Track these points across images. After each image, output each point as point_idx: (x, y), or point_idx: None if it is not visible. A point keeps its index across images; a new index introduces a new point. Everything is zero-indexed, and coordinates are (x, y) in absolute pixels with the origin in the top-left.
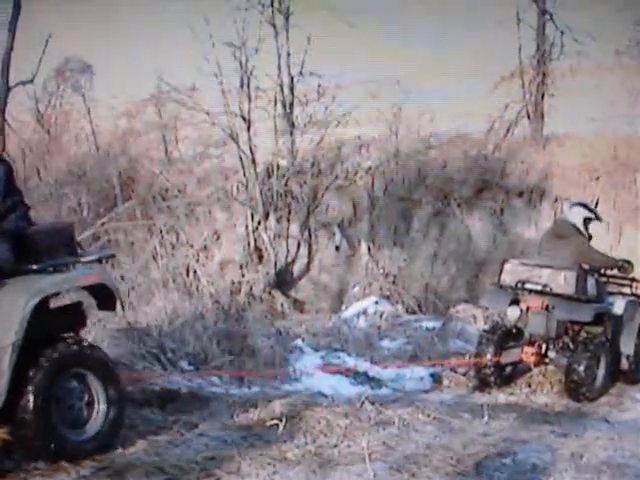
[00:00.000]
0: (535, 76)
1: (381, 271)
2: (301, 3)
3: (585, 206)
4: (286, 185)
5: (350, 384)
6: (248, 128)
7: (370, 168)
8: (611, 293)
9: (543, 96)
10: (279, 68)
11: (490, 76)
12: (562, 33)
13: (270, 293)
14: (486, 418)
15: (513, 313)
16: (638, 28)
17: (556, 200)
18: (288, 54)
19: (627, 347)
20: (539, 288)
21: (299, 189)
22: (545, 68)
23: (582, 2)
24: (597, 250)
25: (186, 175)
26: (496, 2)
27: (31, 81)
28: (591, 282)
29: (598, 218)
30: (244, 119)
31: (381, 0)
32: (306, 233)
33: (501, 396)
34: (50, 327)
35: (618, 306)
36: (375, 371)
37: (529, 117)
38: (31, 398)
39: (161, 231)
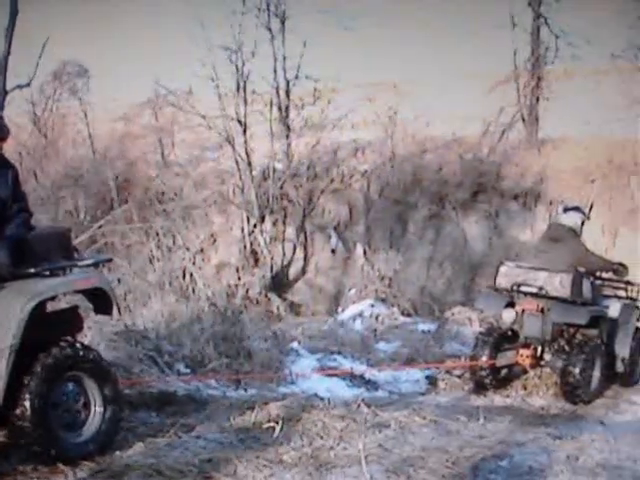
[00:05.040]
0: (530, 80)
1: (377, 274)
2: (297, 7)
3: (579, 209)
4: (282, 188)
5: (346, 386)
6: (244, 131)
7: (366, 171)
8: (606, 296)
9: (538, 99)
10: (275, 72)
11: (485, 80)
12: (557, 37)
13: (266, 296)
14: (482, 420)
15: (509, 316)
16: (633, 31)
17: (551, 203)
18: (284, 58)
19: (622, 350)
20: (535, 291)
21: (295, 192)
22: (540, 72)
23: (577, 6)
24: (593, 253)
25: (182, 178)
26: (491, 6)
27: (28, 85)
28: (587, 285)
29: (588, 218)
30: (240, 123)
31: (377, 4)
32: (302, 236)
33: (497, 398)
34: (47, 331)
35: (613, 309)
36: (371, 374)
37: (524, 120)
38: (28, 404)
39: (158, 234)
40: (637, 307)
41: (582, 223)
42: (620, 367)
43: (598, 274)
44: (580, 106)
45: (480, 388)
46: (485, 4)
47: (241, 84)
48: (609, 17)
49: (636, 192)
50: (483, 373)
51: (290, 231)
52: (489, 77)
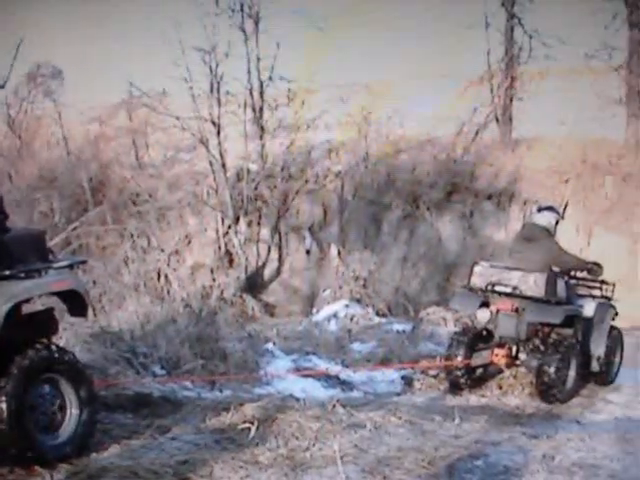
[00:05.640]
0: (504, 80)
1: (351, 274)
2: (271, 8)
3: (553, 209)
4: (256, 189)
5: (321, 387)
6: (218, 133)
7: (340, 172)
8: (581, 295)
9: (512, 99)
10: (249, 73)
11: (459, 80)
12: (531, 37)
13: (241, 297)
14: (457, 420)
15: (483, 315)
16: (607, 32)
17: (525, 203)
18: (258, 59)
19: (598, 349)
20: (509, 290)
21: (269, 193)
22: (514, 72)
23: (551, 6)
24: (567, 252)
25: (157, 180)
26: (464, 7)
27: (2, 86)
28: (561, 284)
29: (562, 217)
30: (214, 124)
31: (350, 5)
32: (276, 237)
33: (472, 398)
34: (22, 333)
35: (588, 308)
36: (346, 374)
37: (498, 120)
38: (4, 406)
39: (132, 236)
40: (612, 306)
41: (556, 223)
42: (595, 366)
43: (573, 273)
44: (554, 106)
45: (455, 388)
46: (458, 4)
47: (215, 85)
48: (583, 17)
49: (610, 192)
50: (458, 373)
51: (265, 232)
52: (463, 77)
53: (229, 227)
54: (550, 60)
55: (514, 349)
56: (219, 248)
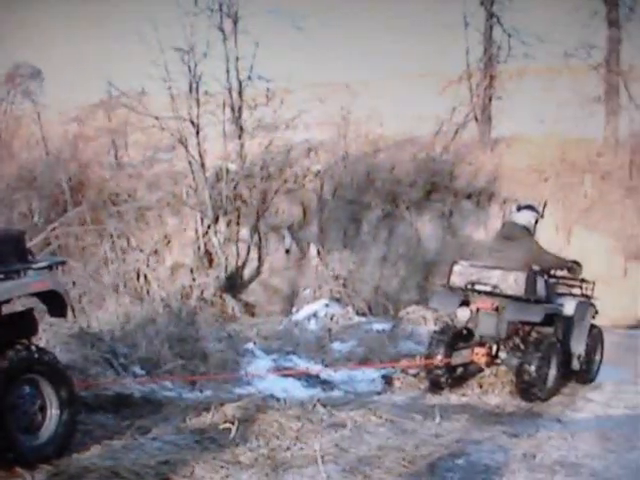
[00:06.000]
0: (483, 79)
1: (331, 274)
2: (249, 8)
3: (533, 208)
4: (235, 189)
5: (302, 387)
6: (197, 132)
7: (319, 171)
8: (561, 294)
9: (491, 99)
10: (227, 72)
11: (438, 79)
12: (510, 36)
13: (221, 297)
14: (438, 419)
15: (463, 314)
16: (586, 30)
17: (505, 202)
18: (237, 58)
19: (578, 347)
20: (489, 289)
21: (248, 193)
22: (493, 71)
23: (530, 5)
24: (547, 251)
25: (136, 180)
26: (443, 6)
27: None
28: (541, 283)
29: (542, 216)
30: (193, 123)
31: (329, 4)
32: (256, 237)
33: (453, 397)
34: (2, 334)
35: (568, 307)
36: (327, 374)
37: (477, 120)
38: None
39: (112, 236)
40: (592, 304)
41: (536, 221)
42: (576, 365)
43: (552, 272)
44: (533, 105)
45: (436, 387)
46: (437, 4)
47: (193, 85)
48: (562, 16)
49: (590, 190)
50: (439, 372)
51: (244, 232)
52: (442, 76)
53: (208, 227)
54: (529, 59)
55: (494, 348)
56: (198, 248)
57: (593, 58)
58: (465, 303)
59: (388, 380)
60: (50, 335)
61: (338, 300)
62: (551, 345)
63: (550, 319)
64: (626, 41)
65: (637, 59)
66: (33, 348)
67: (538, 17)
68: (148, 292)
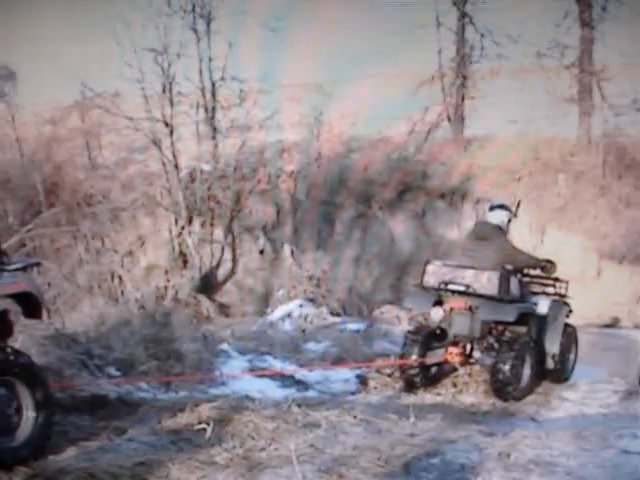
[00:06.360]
0: (455, 79)
1: (305, 274)
2: (223, 9)
3: (505, 207)
4: (209, 190)
5: (277, 387)
6: (171, 133)
7: (292, 172)
8: (535, 293)
9: (463, 98)
10: (201, 73)
11: (410, 79)
12: (482, 36)
13: (195, 297)
14: (413, 419)
15: (437, 314)
16: (559, 30)
17: (478, 201)
18: (210, 59)
19: (552, 346)
20: (462, 289)
21: (222, 193)
22: (465, 71)
23: (503, 5)
24: (520, 250)
25: (110, 181)
26: (416, 6)
27: None
28: (514, 282)
29: (515, 215)
30: (166, 124)
31: (302, 5)
32: (230, 237)
33: (427, 396)
34: None
35: (542, 306)
36: (301, 374)
37: (450, 119)
38: None
39: (86, 237)
40: (566, 303)
41: (509, 221)
42: (550, 364)
43: (526, 271)
44: (506, 104)
45: (410, 386)
46: (410, 4)
47: (167, 86)
48: (534, 16)
49: (563, 190)
50: (413, 371)
51: (218, 232)
52: (415, 77)
53: (182, 228)
54: (502, 59)
55: (468, 347)
56: (173, 249)
57: (566, 58)
58: (439, 303)
59: (363, 380)
60: (25, 337)
61: (312, 300)
62: (525, 344)
63: (524, 318)
64: (599, 41)
65: (610, 59)
66: (8, 350)
67: (511, 17)
68: (123, 293)
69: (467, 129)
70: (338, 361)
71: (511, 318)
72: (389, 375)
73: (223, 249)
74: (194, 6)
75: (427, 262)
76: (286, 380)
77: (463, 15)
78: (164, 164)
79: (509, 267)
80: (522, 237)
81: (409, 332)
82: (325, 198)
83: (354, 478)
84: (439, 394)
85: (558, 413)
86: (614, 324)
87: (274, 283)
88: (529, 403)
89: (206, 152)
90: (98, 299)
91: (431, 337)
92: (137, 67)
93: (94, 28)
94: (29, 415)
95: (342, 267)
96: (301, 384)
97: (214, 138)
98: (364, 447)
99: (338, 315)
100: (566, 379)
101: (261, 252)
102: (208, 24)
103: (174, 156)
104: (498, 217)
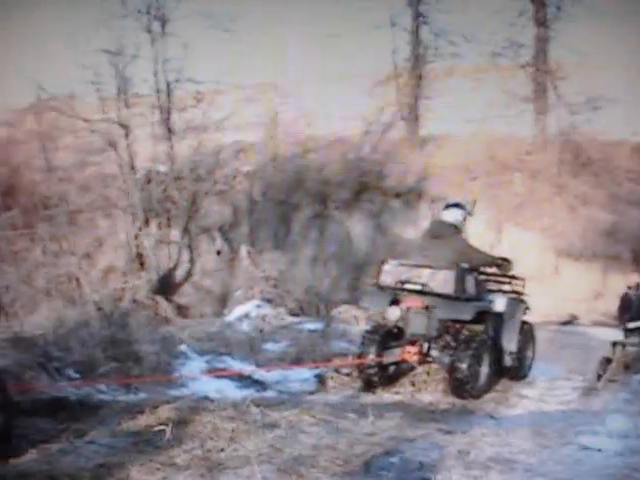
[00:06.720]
0: (410, 79)
1: (262, 274)
2: (178, 11)
3: (461, 206)
4: (165, 191)
5: (235, 388)
6: (126, 135)
7: (249, 172)
8: (492, 291)
9: (418, 98)
10: (156, 75)
11: (365, 80)
12: (437, 35)
13: (153, 299)
14: (372, 418)
15: (394, 313)
16: (513, 29)
17: (433, 200)
18: (165, 60)
19: (510, 344)
20: (418, 288)
21: (179, 195)
22: (420, 71)
23: (457, 5)
24: (476, 248)
25: (67, 183)
26: (370, 6)
27: None
28: (470, 280)
29: (471, 214)
30: (122, 126)
31: (257, 6)
32: (187, 238)
33: (386, 395)
34: None
35: (499, 303)
36: (260, 374)
37: (405, 119)
38: None
39: (43, 240)
40: (523, 301)
41: (464, 219)
42: (508, 361)
43: (482, 269)
44: (461, 104)
45: (369, 386)
46: (365, 4)
47: (122, 87)
48: (489, 15)
49: (519, 188)
50: (371, 371)
51: (175, 233)
52: (369, 77)
53: (139, 229)
54: (456, 58)
55: (425, 346)
56: (130, 250)
57: (521, 57)
58: (395, 302)
59: (321, 380)
60: None
61: (270, 301)
62: (482, 342)
63: (481, 316)
64: (554, 40)
65: (565, 57)
66: None
67: (465, 17)
68: (81, 295)
69: (422, 129)
70: (296, 361)
71: (468, 316)
72: (347, 375)
73: (180, 250)
74: (149, 7)
75: (383, 261)
76: (245, 380)
77: (417, 15)
78: (120, 166)
79: (465, 265)
80: (479, 236)
81: (366, 331)
82: (282, 198)
83: (314, 478)
84: (398, 393)
85: (517, 410)
86: (572, 321)
87: (232, 284)
88: (488, 401)
89: (162, 153)
90: (56, 301)
91: (388, 336)
92: (92, 69)
93: (50, 30)
94: None
95: (299, 267)
96: (260, 384)
97: (170, 139)
98: (323, 446)
99: (296, 315)
100: (524, 376)
101: (218, 253)
102: (163, 26)
103: (130, 158)
104: (453, 216)
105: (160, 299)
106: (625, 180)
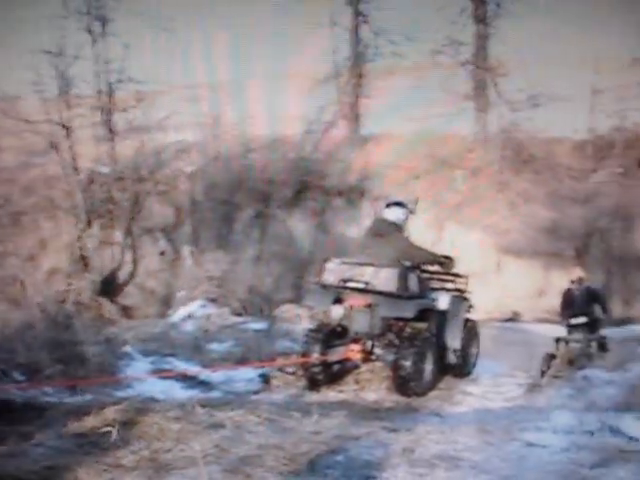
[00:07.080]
0: (350, 78)
1: (206, 274)
2: (118, 11)
3: (402, 204)
4: (108, 192)
5: (181, 388)
6: (68, 136)
7: (191, 172)
8: (435, 289)
9: (359, 97)
10: (97, 75)
11: (306, 79)
12: (377, 34)
13: (97, 300)
14: (316, 416)
15: (337, 312)
16: (454, 27)
17: (376, 199)
18: (106, 61)
19: (454, 341)
20: (361, 286)
21: (121, 195)
22: (360, 70)
23: (397, 3)
24: (417, 246)
25: (10, 185)
26: (310, 5)
27: None
28: (413, 279)
29: (412, 212)
30: (64, 127)
31: (197, 6)
32: (130, 239)
33: (331, 394)
34: None
35: (442, 301)
36: (205, 374)
37: (346, 118)
38: None
39: None
40: (466, 299)
41: (406, 218)
42: (452, 359)
43: (425, 267)
44: (402, 102)
45: (313, 384)
46: (305, 3)
47: (64, 88)
48: (429, 14)
49: (461, 186)
50: (315, 369)
51: (118, 234)
52: (310, 76)
53: (82, 231)
54: (397, 57)
55: (369, 344)
56: (73, 252)
57: (462, 55)
58: (339, 300)
59: (266, 379)
60: None
61: (214, 301)
62: (426, 340)
63: (424, 314)
64: (494, 37)
65: (505, 55)
66: None
67: (405, 15)
68: (25, 298)
69: (363, 128)
70: (241, 361)
71: (410, 314)
72: (292, 374)
73: (123, 251)
74: (89, 8)
75: (326, 260)
76: (190, 381)
77: (357, 14)
78: (63, 167)
79: (407, 263)
80: (421, 234)
81: (310, 330)
82: (224, 198)
83: (260, 477)
84: (342, 391)
85: (461, 408)
86: (515, 318)
87: (175, 284)
88: (432, 398)
89: (104, 154)
90: (0, 304)
91: (332, 335)
92: (34, 70)
93: None
94: None
95: (242, 267)
96: (205, 385)
97: (112, 140)
98: (269, 446)
99: (240, 315)
100: (468, 374)
101: (161, 253)
102: (104, 26)
103: (73, 159)
104: (395, 214)
105: (104, 300)
106: (566, 177)
